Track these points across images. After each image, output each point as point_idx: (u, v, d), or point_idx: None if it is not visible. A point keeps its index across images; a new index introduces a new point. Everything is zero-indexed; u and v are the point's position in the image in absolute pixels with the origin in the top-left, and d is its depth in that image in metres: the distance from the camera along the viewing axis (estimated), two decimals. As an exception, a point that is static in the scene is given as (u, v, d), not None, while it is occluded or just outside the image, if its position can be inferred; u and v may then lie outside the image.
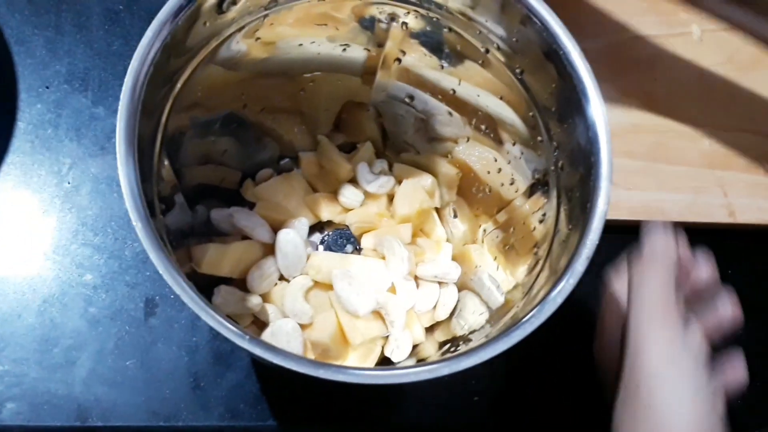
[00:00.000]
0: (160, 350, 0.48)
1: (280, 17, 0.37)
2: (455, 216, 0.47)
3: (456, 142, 0.46)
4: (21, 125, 0.51)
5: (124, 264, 0.49)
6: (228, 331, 0.29)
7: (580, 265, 0.32)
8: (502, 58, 0.38)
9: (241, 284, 0.44)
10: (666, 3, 0.59)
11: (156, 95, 0.33)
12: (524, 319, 0.31)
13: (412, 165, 0.48)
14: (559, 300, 0.32)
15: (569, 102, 0.34)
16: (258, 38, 0.38)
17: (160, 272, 0.31)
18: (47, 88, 0.52)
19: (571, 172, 0.36)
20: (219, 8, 0.34)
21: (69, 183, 0.50)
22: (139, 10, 0.55)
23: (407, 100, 0.44)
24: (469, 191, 0.46)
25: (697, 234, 0.54)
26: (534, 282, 0.36)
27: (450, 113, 0.44)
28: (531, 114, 0.38)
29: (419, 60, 0.41)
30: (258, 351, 0.29)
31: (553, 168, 0.37)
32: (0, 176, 0.50)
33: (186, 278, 0.31)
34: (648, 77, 0.57)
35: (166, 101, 0.35)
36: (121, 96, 0.31)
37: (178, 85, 0.35)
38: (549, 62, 0.35)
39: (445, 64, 0.41)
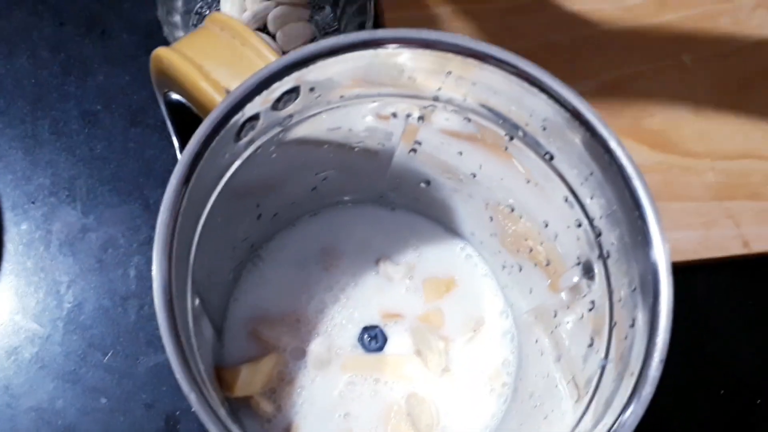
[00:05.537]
0: (188, 468, 0.46)
1: (295, 130, 0.35)
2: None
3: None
4: (10, 247, 0.48)
5: (138, 382, 0.47)
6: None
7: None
8: (529, 144, 0.36)
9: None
10: (656, 35, 0.58)
11: (183, 238, 0.30)
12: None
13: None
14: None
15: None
16: (273, 154, 0.36)
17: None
18: (33, 203, 0.49)
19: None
20: (237, 137, 0.32)
21: (70, 303, 0.48)
22: (118, 107, 0.51)
23: (423, 185, 0.43)
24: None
25: (714, 270, 0.54)
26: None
27: (470, 195, 0.42)
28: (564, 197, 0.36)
29: (436, 148, 0.40)
30: None
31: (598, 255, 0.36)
32: (-6, 305, 0.47)
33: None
34: (645, 113, 0.56)
35: (193, 238, 0.32)
36: (154, 254, 0.28)
37: (201, 222, 0.33)
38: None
39: (464, 151, 0.39)
